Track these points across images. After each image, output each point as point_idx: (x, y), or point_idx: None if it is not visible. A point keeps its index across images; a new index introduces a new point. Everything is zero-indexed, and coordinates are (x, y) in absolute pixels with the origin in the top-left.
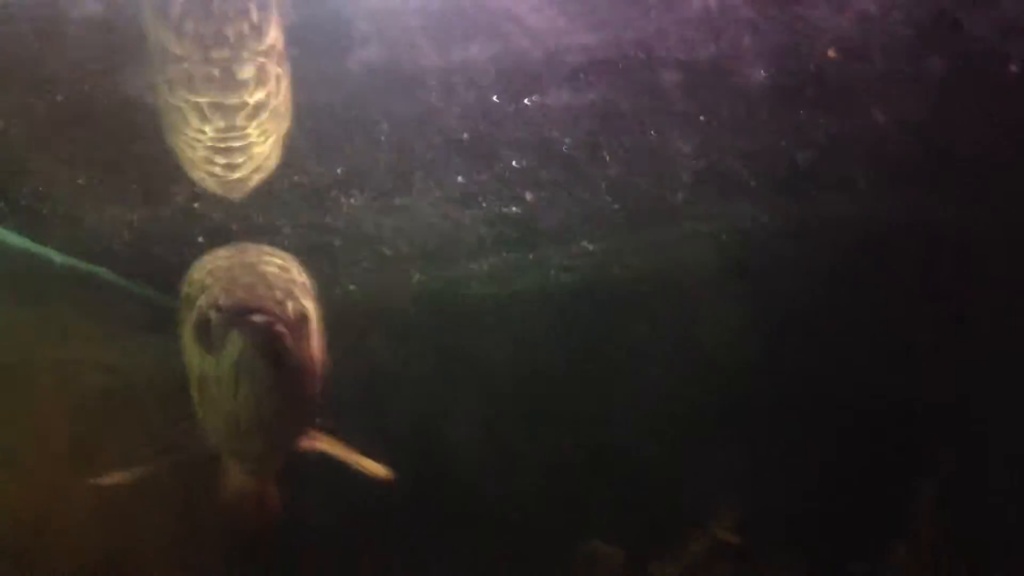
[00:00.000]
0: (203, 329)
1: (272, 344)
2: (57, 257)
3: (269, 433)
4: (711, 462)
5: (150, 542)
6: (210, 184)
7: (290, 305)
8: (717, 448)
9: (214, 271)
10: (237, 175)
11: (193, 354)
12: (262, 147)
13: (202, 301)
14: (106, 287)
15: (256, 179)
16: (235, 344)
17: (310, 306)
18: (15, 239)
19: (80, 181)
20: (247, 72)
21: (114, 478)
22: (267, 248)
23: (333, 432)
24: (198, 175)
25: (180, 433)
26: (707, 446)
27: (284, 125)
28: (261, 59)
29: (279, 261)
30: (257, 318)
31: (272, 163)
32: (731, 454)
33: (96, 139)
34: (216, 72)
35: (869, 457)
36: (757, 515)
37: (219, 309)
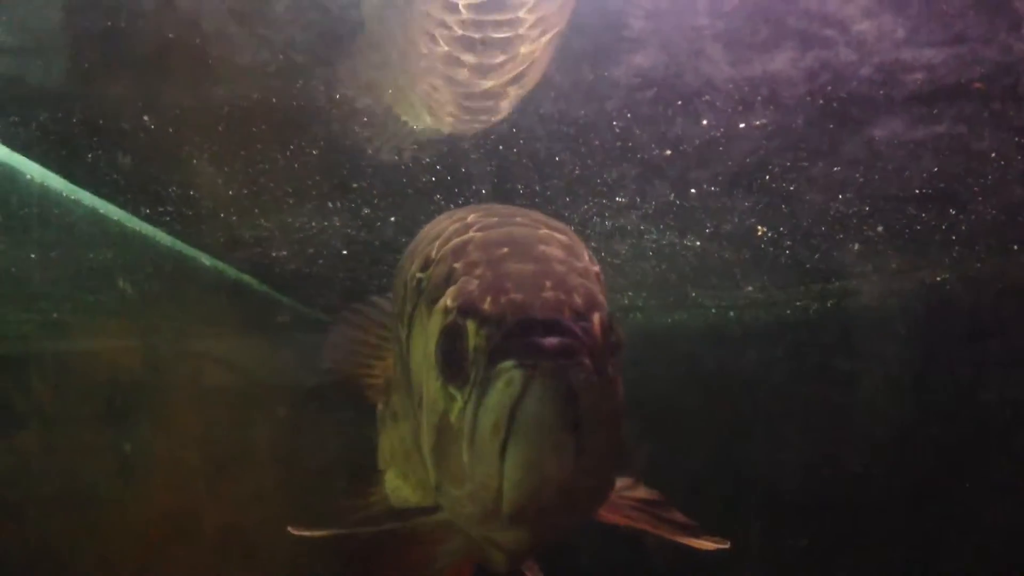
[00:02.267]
0: (452, 349)
1: (574, 391)
2: (206, 260)
3: (549, 516)
4: None
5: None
6: (444, 109)
7: (596, 318)
8: None
9: (464, 247)
10: (490, 81)
11: (427, 377)
12: (530, 45)
13: (449, 299)
14: (248, 292)
15: (513, 94)
16: (512, 385)
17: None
18: (165, 239)
19: (234, 187)
20: None
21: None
22: (533, 212)
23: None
24: (423, 104)
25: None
26: None
27: (560, 22)
28: None
29: (563, 238)
30: (551, 343)
31: (535, 76)
32: None
33: (257, 147)
34: None
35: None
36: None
37: (483, 321)
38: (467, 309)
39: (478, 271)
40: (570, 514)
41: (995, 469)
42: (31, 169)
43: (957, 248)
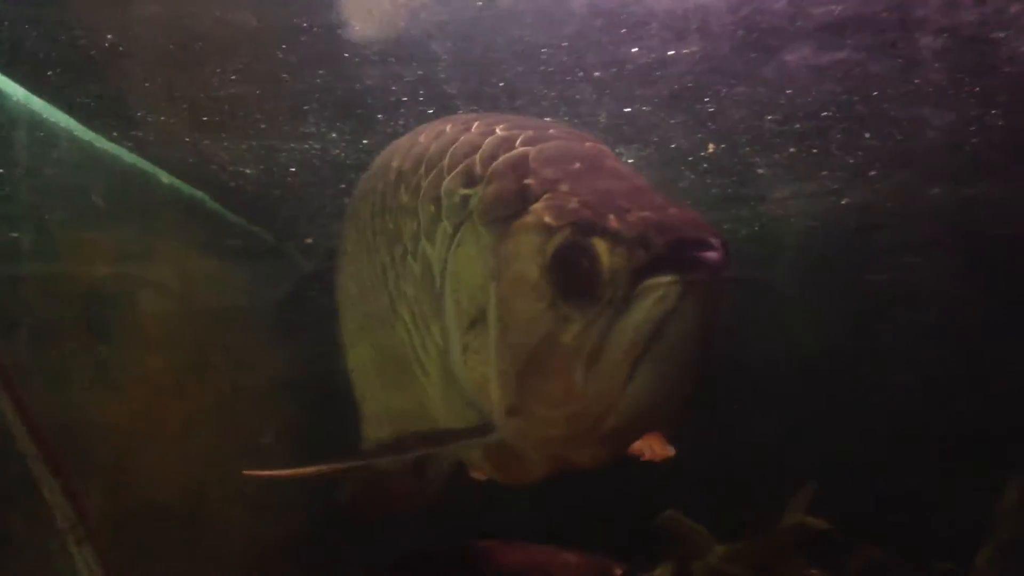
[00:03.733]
0: (574, 268)
1: (717, 305)
2: (164, 178)
3: (639, 428)
4: (795, 446)
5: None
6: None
7: (716, 240)
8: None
9: (524, 162)
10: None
11: (516, 297)
12: None
13: (548, 217)
14: (205, 212)
15: None
16: (665, 301)
17: None
18: (127, 156)
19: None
20: None
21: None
22: (545, 120)
23: None
24: None
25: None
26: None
27: None
28: None
29: (607, 149)
30: (712, 257)
31: None
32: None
33: (219, 74)
34: None
35: (956, 452)
36: (840, 509)
37: (617, 240)
38: (589, 228)
39: (564, 187)
40: (656, 426)
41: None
42: None
43: (862, 167)
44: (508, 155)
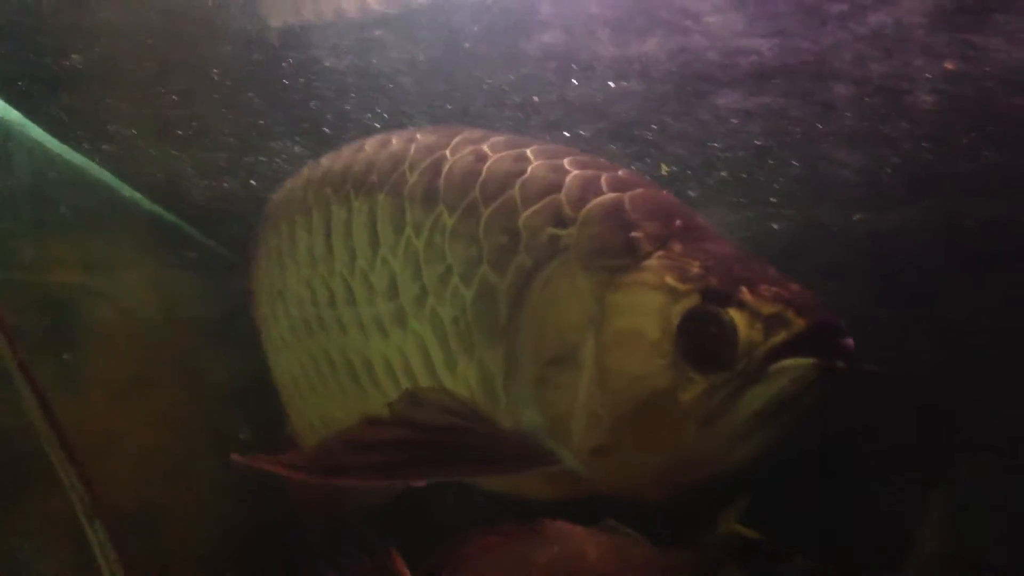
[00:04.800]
0: (705, 333)
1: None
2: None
3: (719, 477)
4: None
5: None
6: None
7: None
8: None
9: (618, 209)
10: None
11: (632, 350)
12: None
13: (673, 279)
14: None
15: None
16: (801, 381)
17: None
18: (102, 173)
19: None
20: None
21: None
22: (554, 145)
23: None
24: None
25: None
26: None
27: None
28: None
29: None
30: (849, 345)
31: None
32: None
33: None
34: None
35: (885, 465)
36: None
37: (756, 316)
38: (722, 297)
39: (677, 247)
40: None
41: None
42: None
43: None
44: (600, 200)
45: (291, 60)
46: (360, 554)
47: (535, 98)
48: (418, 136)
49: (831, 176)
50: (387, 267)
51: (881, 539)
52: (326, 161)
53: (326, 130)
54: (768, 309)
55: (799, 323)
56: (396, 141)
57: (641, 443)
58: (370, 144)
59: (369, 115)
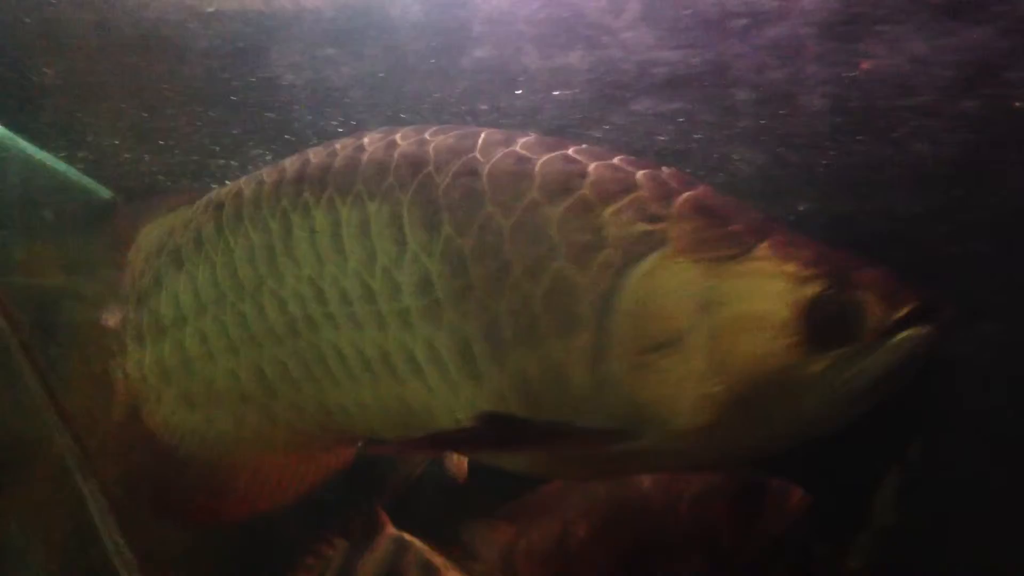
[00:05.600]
0: (831, 315)
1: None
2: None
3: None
4: None
5: None
6: None
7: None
8: None
9: (703, 203)
10: None
11: (752, 333)
12: None
13: (796, 267)
14: None
15: None
16: (913, 347)
17: None
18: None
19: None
20: None
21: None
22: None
23: None
24: None
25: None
26: None
27: None
28: None
29: None
30: (951, 311)
31: None
32: None
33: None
34: None
35: (839, 442)
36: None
37: (878, 294)
38: (842, 280)
39: (780, 236)
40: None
41: None
42: None
43: None
44: (685, 196)
45: (255, 76)
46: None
47: (474, 107)
48: (426, 137)
49: (735, 173)
50: (419, 264)
51: (835, 513)
52: (311, 160)
53: (288, 137)
54: (883, 287)
55: (913, 297)
56: (401, 140)
57: (756, 419)
58: (366, 145)
59: (323, 123)
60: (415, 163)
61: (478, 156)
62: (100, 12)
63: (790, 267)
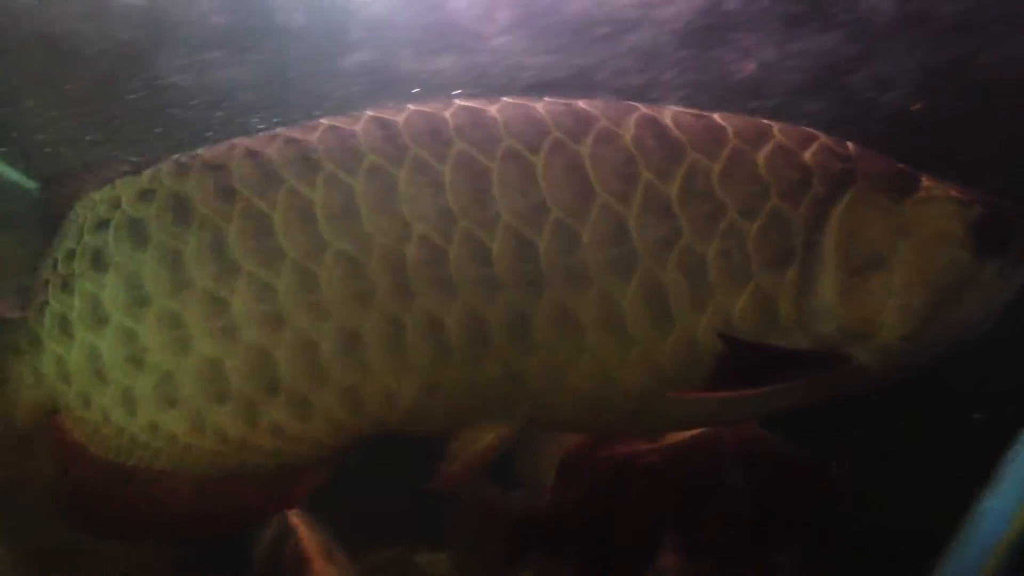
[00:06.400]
0: (994, 229)
1: None
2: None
3: None
4: None
5: None
6: None
7: None
8: None
9: (859, 152)
10: None
11: (935, 248)
12: None
13: (954, 191)
14: None
15: None
16: None
17: None
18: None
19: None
20: None
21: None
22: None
23: None
24: None
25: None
26: None
27: None
28: None
29: None
30: None
31: None
32: None
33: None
34: None
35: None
36: None
37: (1014, 210)
38: (991, 203)
39: (927, 174)
40: None
41: None
42: None
43: None
44: (849, 143)
45: (145, 77)
46: None
47: (355, 108)
48: (569, 103)
49: None
50: (611, 214)
51: None
52: (429, 117)
53: (179, 136)
54: (1014, 208)
55: None
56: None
57: (943, 325)
58: (493, 110)
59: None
60: (583, 119)
61: (647, 111)
62: None
63: (955, 194)
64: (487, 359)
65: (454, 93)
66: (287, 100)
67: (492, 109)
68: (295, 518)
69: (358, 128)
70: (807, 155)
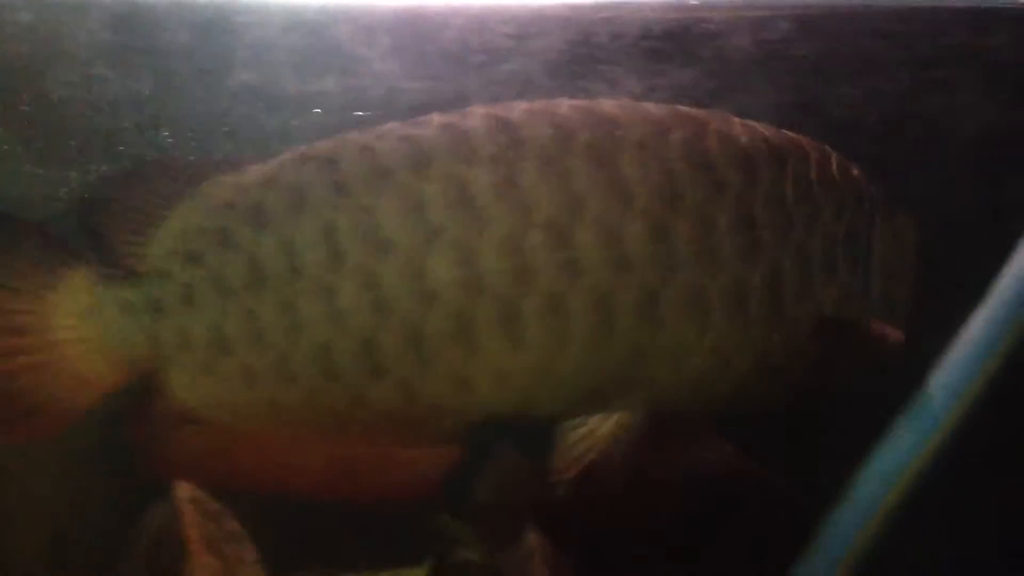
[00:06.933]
0: None
1: None
2: None
3: None
4: None
5: None
6: None
7: None
8: None
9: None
10: None
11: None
12: None
13: None
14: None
15: None
16: None
17: None
18: None
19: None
20: None
21: None
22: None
23: None
24: None
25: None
26: None
27: None
28: None
29: None
30: None
31: None
32: None
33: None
34: None
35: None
36: None
37: None
38: None
39: None
40: None
41: None
42: None
43: None
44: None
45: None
46: None
47: (237, 127)
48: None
49: None
50: (742, 203)
51: None
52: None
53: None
54: None
55: None
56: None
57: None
58: (607, 106)
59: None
60: (701, 121)
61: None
62: None
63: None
64: (612, 340)
65: (358, 113)
66: (172, 118)
67: (607, 106)
68: (185, 503)
69: (474, 124)
70: (854, 169)
